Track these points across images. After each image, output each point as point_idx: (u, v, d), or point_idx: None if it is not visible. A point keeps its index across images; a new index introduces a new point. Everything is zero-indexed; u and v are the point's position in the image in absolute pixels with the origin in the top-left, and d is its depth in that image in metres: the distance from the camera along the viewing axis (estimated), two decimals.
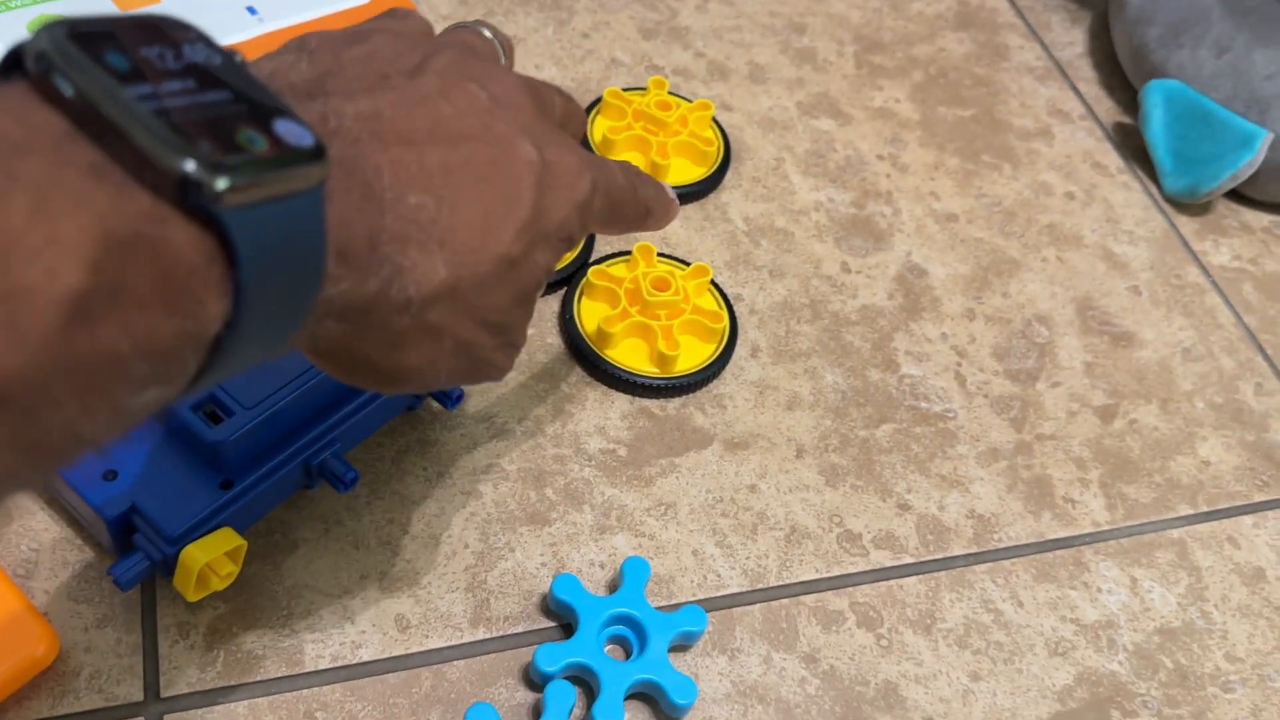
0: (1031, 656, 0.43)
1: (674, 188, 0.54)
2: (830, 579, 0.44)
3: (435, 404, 0.45)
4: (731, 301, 0.51)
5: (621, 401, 0.48)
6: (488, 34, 0.36)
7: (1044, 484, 0.48)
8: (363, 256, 0.25)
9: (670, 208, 0.39)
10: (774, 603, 0.43)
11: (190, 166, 0.20)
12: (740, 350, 0.50)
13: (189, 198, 0.20)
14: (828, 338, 0.52)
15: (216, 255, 0.20)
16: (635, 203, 0.36)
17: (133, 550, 0.37)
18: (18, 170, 0.18)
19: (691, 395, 0.49)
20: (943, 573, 0.45)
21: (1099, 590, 0.45)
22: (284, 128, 0.22)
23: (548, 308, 0.50)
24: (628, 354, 0.48)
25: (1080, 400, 0.52)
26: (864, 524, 0.46)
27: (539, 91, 0.33)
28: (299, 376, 0.39)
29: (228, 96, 0.22)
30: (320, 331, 0.26)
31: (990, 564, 0.46)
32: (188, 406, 0.38)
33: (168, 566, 0.37)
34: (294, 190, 0.22)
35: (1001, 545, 0.46)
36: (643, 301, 0.48)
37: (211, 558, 0.36)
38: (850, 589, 0.44)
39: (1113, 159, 0.63)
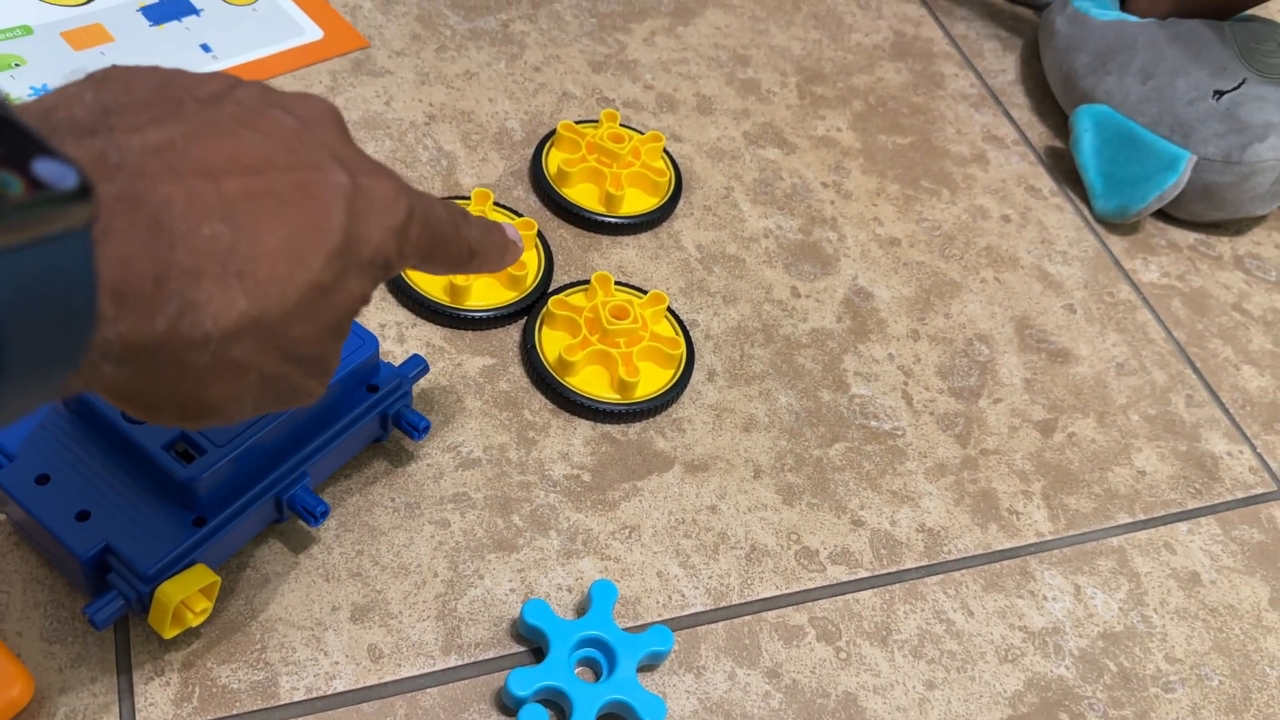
0: (983, 664, 0.45)
1: (630, 217, 0.56)
2: (790, 595, 0.46)
3: (401, 435, 0.46)
4: (688, 327, 0.53)
5: (584, 427, 0.49)
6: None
7: (989, 497, 0.51)
8: (147, 294, 0.24)
9: (506, 253, 0.38)
10: (737, 620, 0.44)
11: None
12: (697, 375, 0.52)
13: None
14: (780, 360, 0.54)
15: None
16: (458, 240, 0.35)
17: (107, 589, 0.37)
18: None
19: (652, 420, 0.50)
20: (897, 585, 0.47)
21: (1044, 598, 0.48)
22: (44, 168, 0.21)
23: (509, 337, 0.51)
24: (589, 381, 0.49)
25: (1021, 415, 0.54)
26: (820, 540, 0.47)
27: (343, 123, 0.32)
28: (265, 417, 0.40)
29: None
30: (105, 374, 0.25)
31: (941, 575, 0.47)
32: (159, 445, 0.38)
33: (143, 604, 0.37)
34: (54, 233, 0.21)
35: (951, 557, 0.48)
36: (602, 330, 0.50)
37: (186, 595, 0.37)
38: (809, 604, 0.45)
39: (1046, 182, 0.66)
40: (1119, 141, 0.63)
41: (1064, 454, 0.53)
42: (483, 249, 0.36)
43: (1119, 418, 0.55)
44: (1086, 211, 0.65)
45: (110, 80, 0.27)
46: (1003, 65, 0.73)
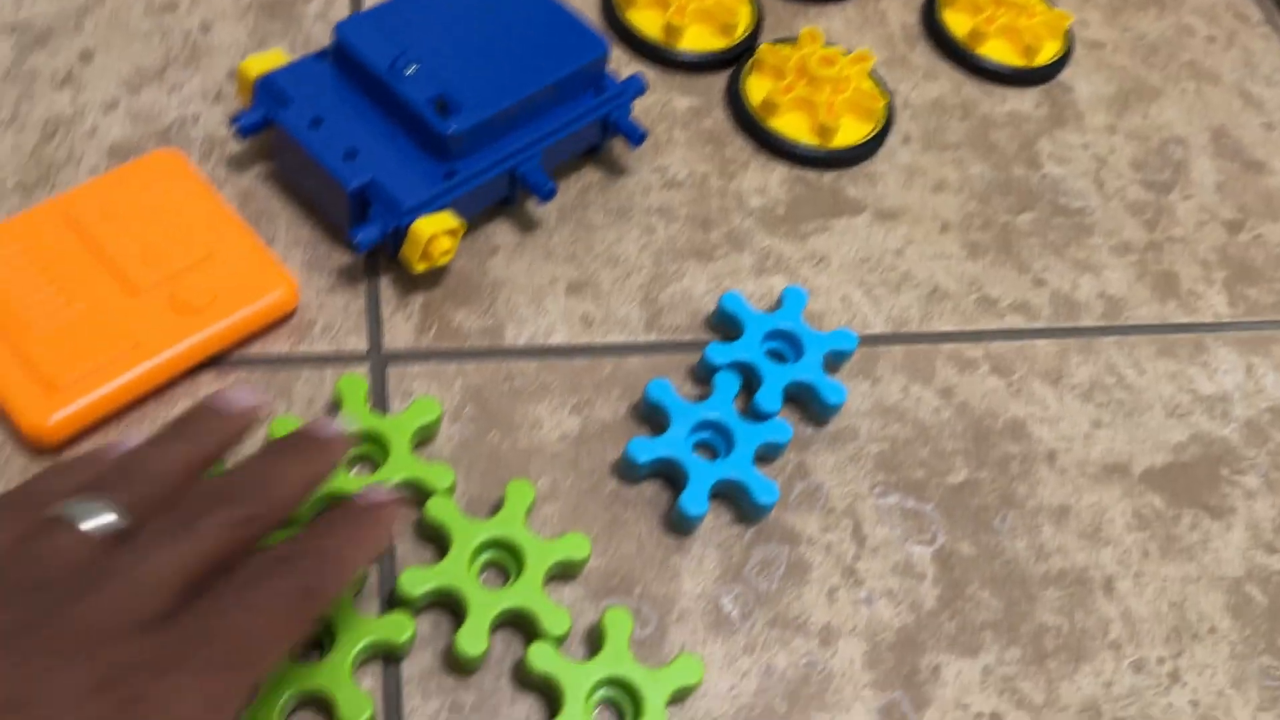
0: (1150, 414, 0.47)
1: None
2: (967, 332, 0.48)
3: (612, 155, 0.50)
4: (889, 93, 0.55)
5: (781, 169, 0.52)
6: (69, 514, 0.29)
7: (1170, 278, 0.52)
8: None
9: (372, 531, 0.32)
10: (914, 346, 0.47)
11: None
12: (893, 137, 0.54)
13: None
14: (976, 135, 0.55)
15: None
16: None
17: (369, 220, 0.42)
18: None
19: (845, 170, 0.52)
20: (1072, 339, 0.49)
21: (1216, 370, 0.49)
22: None
23: (715, 83, 0.54)
24: (790, 126, 0.52)
25: (1209, 213, 0.55)
26: (1001, 292, 0.50)
27: (78, 629, 0.27)
28: (517, 86, 0.43)
29: None
30: None
31: (1117, 337, 0.49)
32: (424, 100, 0.42)
33: (397, 238, 0.42)
34: None
35: (1128, 323, 0.50)
36: (809, 76, 0.52)
37: (436, 231, 0.41)
38: (985, 343, 0.48)
39: (1254, 11, 0.65)
40: None
41: (1249, 252, 0.53)
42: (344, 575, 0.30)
43: None
44: None
45: None
46: None
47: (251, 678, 0.27)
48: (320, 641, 0.35)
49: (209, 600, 0.28)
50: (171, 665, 0.26)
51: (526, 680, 0.36)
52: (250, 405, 0.33)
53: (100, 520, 0.29)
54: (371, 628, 0.35)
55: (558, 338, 0.44)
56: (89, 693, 0.25)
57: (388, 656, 0.36)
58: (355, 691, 0.34)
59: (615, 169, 0.50)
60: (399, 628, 0.35)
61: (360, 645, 0.35)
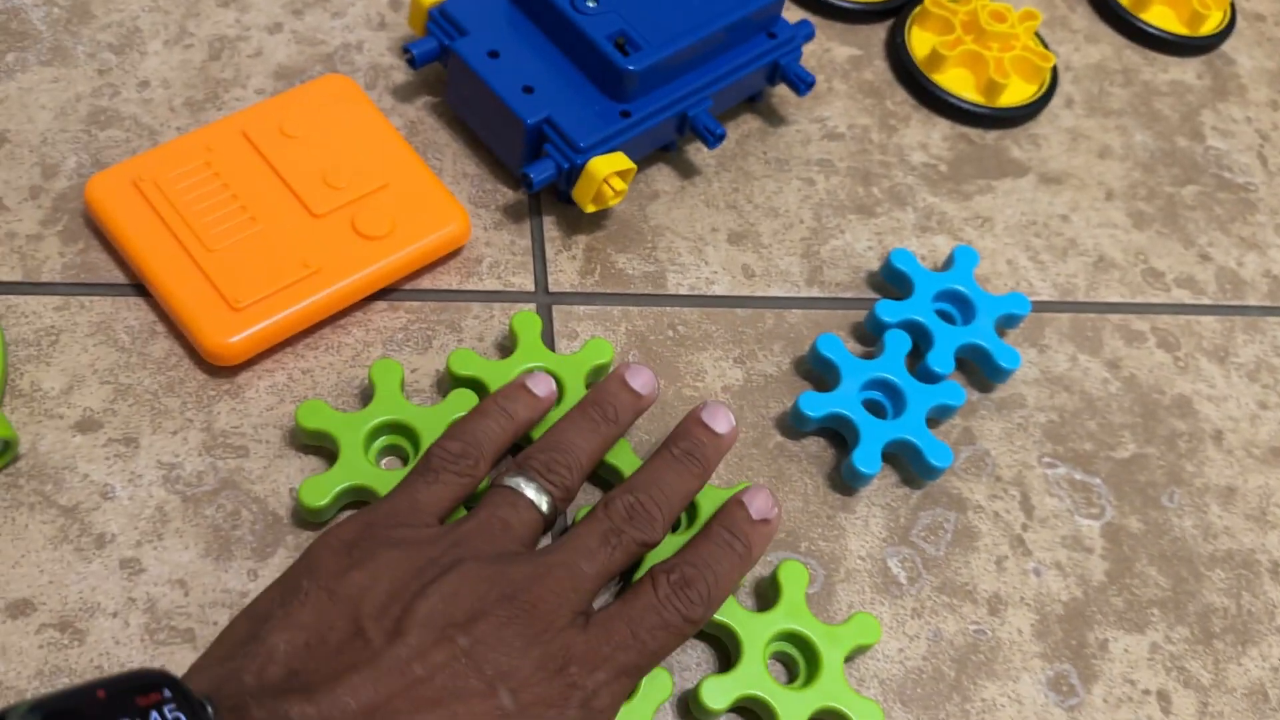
0: None
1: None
2: (1134, 304, 0.47)
3: (771, 104, 0.49)
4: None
5: (943, 125, 0.50)
6: (529, 494, 0.33)
7: None
8: None
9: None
10: (1081, 315, 0.46)
11: None
12: (1056, 100, 0.52)
13: None
14: (1139, 103, 0.53)
15: None
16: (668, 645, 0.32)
17: (543, 157, 0.41)
18: None
19: (1009, 130, 0.51)
20: (1238, 317, 0.47)
21: None
22: None
23: (875, 34, 0.53)
24: (955, 81, 0.51)
25: None
26: (1167, 265, 0.48)
27: (549, 642, 0.30)
28: (695, 26, 0.42)
29: None
30: None
31: None
32: (604, 36, 0.41)
33: (570, 177, 0.41)
34: None
35: None
36: (978, 30, 0.50)
37: (611, 171, 0.41)
38: (1152, 316, 0.47)
39: None
40: None
41: None
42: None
43: None
44: None
45: (302, 604, 0.29)
46: None
47: (636, 685, 0.32)
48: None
49: (619, 610, 0.31)
50: (599, 663, 0.30)
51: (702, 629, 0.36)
52: (650, 388, 0.37)
53: (543, 506, 0.33)
54: None
55: (719, 287, 0.44)
56: (543, 672, 0.29)
57: None
58: None
59: (774, 118, 0.49)
60: None
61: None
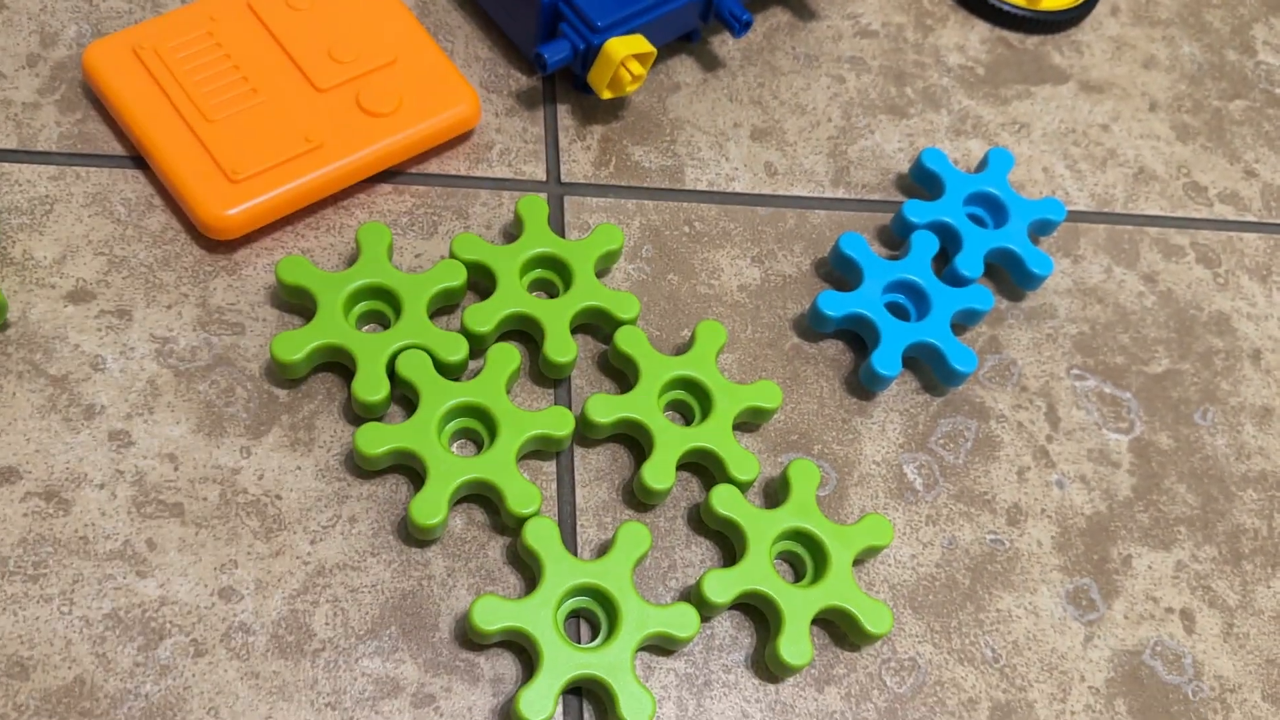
0: None
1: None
2: (1174, 219, 0.45)
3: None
4: None
5: (982, 28, 0.48)
6: None
7: None
8: None
9: None
10: (1118, 227, 0.44)
11: None
12: (1102, 6, 0.50)
13: None
14: (1188, 13, 0.51)
15: None
16: None
17: (558, 38, 0.39)
18: None
19: (1050, 36, 0.48)
20: None
21: None
22: None
23: None
24: None
25: None
26: (1210, 179, 0.46)
27: None
28: None
29: None
30: None
31: None
32: None
33: (586, 60, 0.40)
34: None
35: None
36: None
37: (629, 53, 0.39)
38: (1192, 231, 0.44)
39: None
40: None
41: None
42: None
43: None
44: None
45: None
46: None
47: None
48: (479, 439, 0.34)
49: None
50: None
51: (705, 523, 0.34)
52: None
53: None
54: (534, 420, 0.33)
55: (739, 185, 0.42)
56: None
57: (545, 458, 0.35)
58: (523, 482, 0.32)
59: (805, 12, 0.47)
60: (561, 421, 0.33)
61: (523, 438, 0.33)
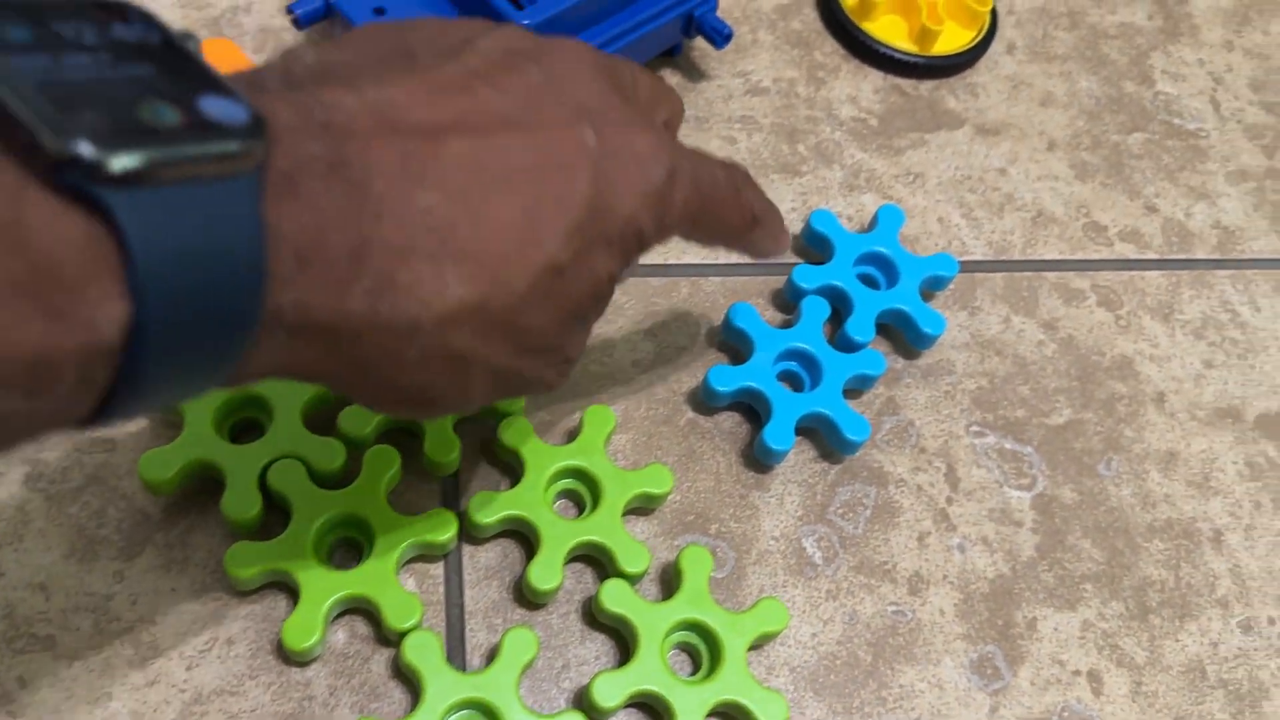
0: (1265, 356, 0.43)
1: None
2: (1074, 261, 0.44)
3: (692, 58, 0.46)
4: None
5: (875, 77, 0.48)
6: None
7: None
8: (339, 266, 0.21)
9: (783, 234, 0.33)
10: (1016, 274, 0.44)
11: (70, 141, 0.16)
12: (997, 45, 0.50)
13: (64, 176, 0.17)
14: (1085, 46, 0.51)
15: (101, 245, 0.17)
16: (738, 205, 0.30)
17: None
18: None
19: (945, 80, 0.48)
20: (1184, 271, 0.45)
21: None
22: (211, 104, 0.19)
23: None
24: (886, 29, 0.48)
25: None
26: (1111, 218, 0.46)
27: (614, 69, 0.27)
28: None
29: (148, 72, 0.19)
30: (293, 354, 0.21)
31: (1232, 271, 0.45)
32: None
33: None
34: (215, 174, 0.18)
35: (1244, 256, 0.46)
36: None
37: None
38: (1092, 273, 0.44)
39: None
40: None
41: None
42: (766, 217, 0.31)
43: None
44: None
45: (345, 41, 0.24)
46: None
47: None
48: (360, 545, 0.33)
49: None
50: (682, 154, 0.28)
51: (598, 618, 0.34)
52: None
53: None
54: (412, 527, 0.33)
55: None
56: (629, 122, 0.26)
57: (431, 561, 0.34)
58: (402, 593, 0.32)
59: (694, 73, 0.46)
60: (441, 525, 0.33)
61: (402, 547, 0.32)
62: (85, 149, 0.16)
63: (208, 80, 0.19)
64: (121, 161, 0.17)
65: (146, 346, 0.18)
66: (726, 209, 0.29)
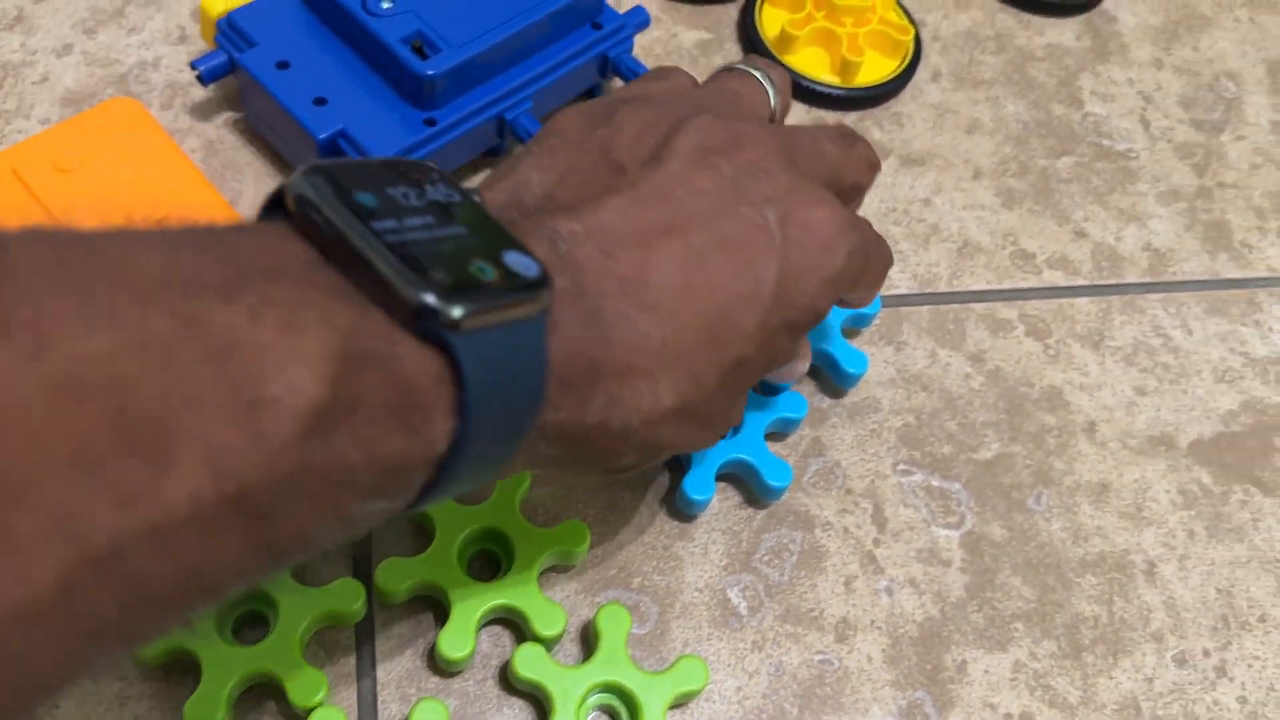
0: (1198, 380, 0.43)
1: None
2: (1001, 291, 0.44)
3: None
4: (917, 26, 0.50)
5: (798, 110, 0.47)
6: (757, 75, 0.34)
7: (1222, 227, 0.47)
8: (584, 387, 0.25)
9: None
10: (943, 307, 0.43)
11: (428, 296, 0.20)
12: (921, 73, 0.49)
13: (423, 323, 0.21)
14: (1012, 70, 0.50)
15: (444, 377, 0.21)
16: (886, 260, 0.33)
17: None
18: (271, 292, 0.19)
19: (869, 110, 0.48)
20: (1115, 297, 0.45)
21: (1270, 329, 0.45)
22: (512, 259, 0.23)
23: (727, 15, 0.50)
24: (808, 62, 0.48)
25: (1265, 155, 0.50)
26: (1039, 245, 0.45)
27: (797, 145, 0.30)
28: (503, 23, 0.39)
29: (463, 232, 0.23)
30: (540, 452, 0.26)
31: (1163, 294, 0.45)
32: (398, 40, 0.38)
33: None
34: (518, 318, 0.22)
35: (1176, 278, 0.46)
36: (829, 6, 0.47)
37: None
38: (1021, 302, 0.44)
39: None
40: None
41: None
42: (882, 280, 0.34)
43: None
44: None
45: (557, 148, 0.29)
46: None
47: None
48: (265, 619, 0.32)
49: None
50: (857, 224, 0.31)
51: (514, 684, 0.33)
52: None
53: (769, 90, 0.34)
54: (317, 599, 0.32)
55: None
56: (805, 200, 0.29)
57: (341, 629, 0.33)
58: (307, 669, 0.31)
59: None
60: (349, 595, 0.32)
61: (307, 621, 0.31)
62: (435, 301, 0.20)
63: (506, 238, 0.24)
64: (467, 315, 0.21)
65: (461, 454, 0.22)
66: (880, 278, 0.33)
